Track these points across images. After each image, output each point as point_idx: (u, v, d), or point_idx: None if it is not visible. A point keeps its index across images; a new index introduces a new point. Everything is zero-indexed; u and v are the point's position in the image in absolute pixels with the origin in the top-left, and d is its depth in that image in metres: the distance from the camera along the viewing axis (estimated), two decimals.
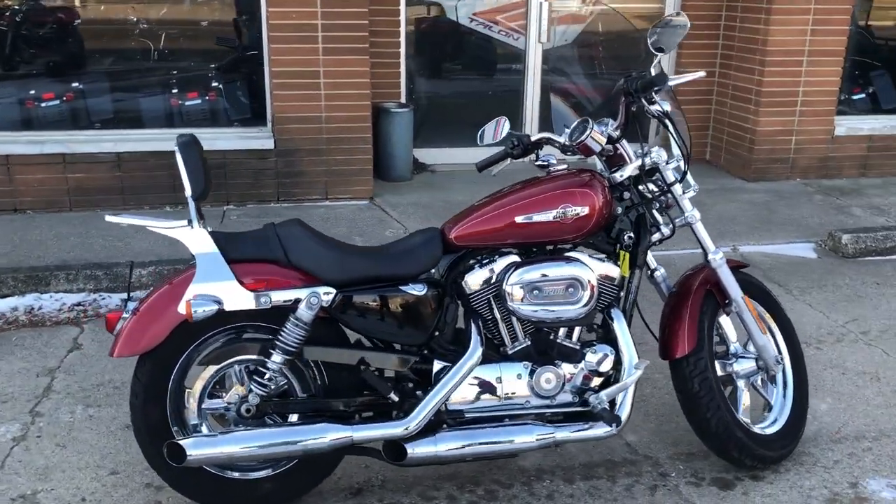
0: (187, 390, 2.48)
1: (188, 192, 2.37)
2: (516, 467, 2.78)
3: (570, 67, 6.72)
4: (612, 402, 2.55)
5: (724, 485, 2.70)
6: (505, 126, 2.90)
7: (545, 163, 2.78)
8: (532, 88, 6.42)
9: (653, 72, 2.58)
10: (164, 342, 2.36)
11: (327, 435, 2.38)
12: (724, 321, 2.84)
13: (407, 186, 5.88)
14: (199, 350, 2.45)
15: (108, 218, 2.44)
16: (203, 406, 2.50)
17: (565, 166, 2.75)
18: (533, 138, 2.80)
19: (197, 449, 2.32)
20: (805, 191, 6.01)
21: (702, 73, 2.72)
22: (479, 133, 3.03)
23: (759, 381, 2.90)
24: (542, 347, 2.61)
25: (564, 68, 6.67)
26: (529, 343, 2.58)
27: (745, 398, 2.80)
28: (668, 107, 2.64)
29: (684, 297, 2.71)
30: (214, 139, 5.20)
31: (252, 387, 2.44)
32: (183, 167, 2.37)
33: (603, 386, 2.60)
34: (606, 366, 2.57)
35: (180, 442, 2.32)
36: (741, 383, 2.82)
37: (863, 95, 6.73)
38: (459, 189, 5.61)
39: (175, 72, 5.71)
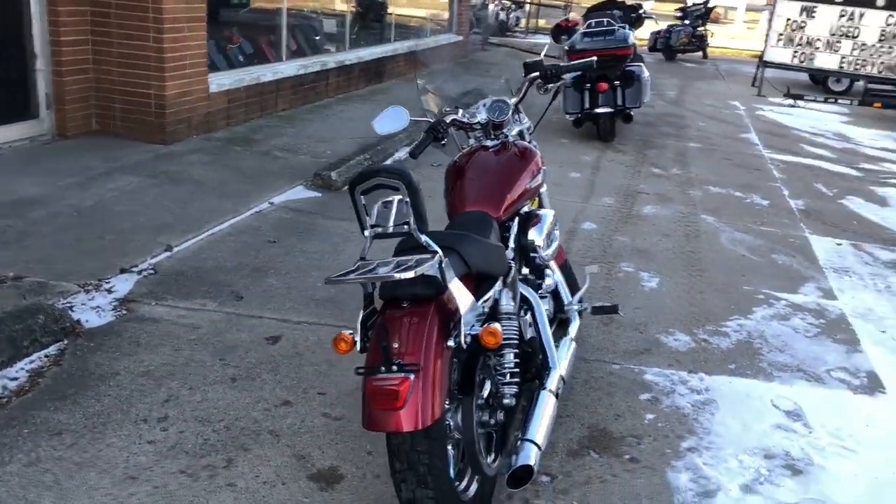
0: None
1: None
2: None
3: None
4: None
5: None
6: (404, 115, 3.20)
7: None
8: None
9: (574, 63, 3.41)
10: None
11: None
12: None
13: None
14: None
15: None
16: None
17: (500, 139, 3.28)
18: (448, 119, 3.22)
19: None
20: (217, 146, 6.63)
21: (593, 60, 3.56)
22: (376, 122, 3.22)
23: None
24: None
25: None
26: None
27: None
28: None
29: None
30: None
31: (504, 390, 2.46)
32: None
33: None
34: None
35: (529, 463, 2.28)
36: None
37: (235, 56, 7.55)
38: None
39: None
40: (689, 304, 4.44)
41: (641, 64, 8.30)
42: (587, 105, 8.12)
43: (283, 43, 8.38)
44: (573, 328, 3.29)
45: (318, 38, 9.57)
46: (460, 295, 2.33)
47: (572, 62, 3.51)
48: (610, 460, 2.96)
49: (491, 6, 19.03)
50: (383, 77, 10.78)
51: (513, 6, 20.32)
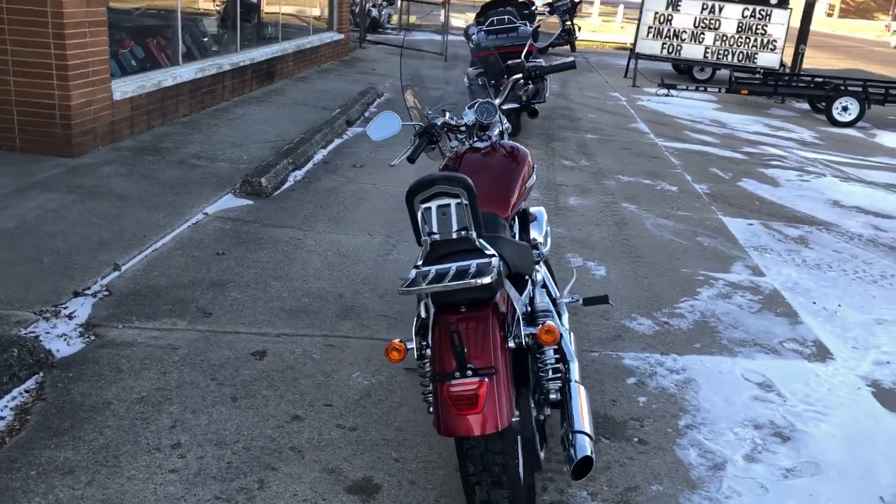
0: None
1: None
2: None
3: None
4: None
5: None
6: (396, 121, 3.22)
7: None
8: None
9: (554, 64, 3.50)
10: None
11: None
12: None
13: None
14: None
15: None
16: None
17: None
18: (439, 122, 3.26)
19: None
20: (128, 156, 6.30)
21: (573, 60, 3.63)
22: (370, 129, 3.22)
23: None
24: None
25: None
26: None
27: None
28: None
29: None
30: None
31: (549, 385, 2.54)
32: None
33: None
34: None
35: (588, 454, 2.35)
36: None
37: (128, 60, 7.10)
38: None
39: None
40: (640, 289, 4.66)
41: (541, 60, 8.54)
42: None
43: (179, 46, 8.05)
44: (565, 320, 3.40)
45: (206, 39, 9.25)
46: (514, 296, 2.37)
47: (553, 64, 3.61)
48: (622, 444, 3.09)
49: (364, 3, 18.94)
50: (274, 78, 10.56)
51: (384, 3, 20.31)
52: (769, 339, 4.15)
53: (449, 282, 2.15)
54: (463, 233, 2.30)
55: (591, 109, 10.99)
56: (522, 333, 2.36)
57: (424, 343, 2.37)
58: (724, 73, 14.36)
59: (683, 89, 13.44)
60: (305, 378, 3.37)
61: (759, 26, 13.70)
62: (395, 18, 21.37)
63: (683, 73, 15.71)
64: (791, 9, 13.91)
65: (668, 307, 4.43)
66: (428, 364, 2.50)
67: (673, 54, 14.07)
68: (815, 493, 2.89)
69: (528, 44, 8.20)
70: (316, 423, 3.05)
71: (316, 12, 13.47)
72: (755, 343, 4.10)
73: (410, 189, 2.31)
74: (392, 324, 3.94)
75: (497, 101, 3.40)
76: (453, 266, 2.27)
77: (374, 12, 19.55)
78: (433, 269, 2.27)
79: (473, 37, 8.49)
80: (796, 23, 14.03)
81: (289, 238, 4.97)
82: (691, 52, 13.97)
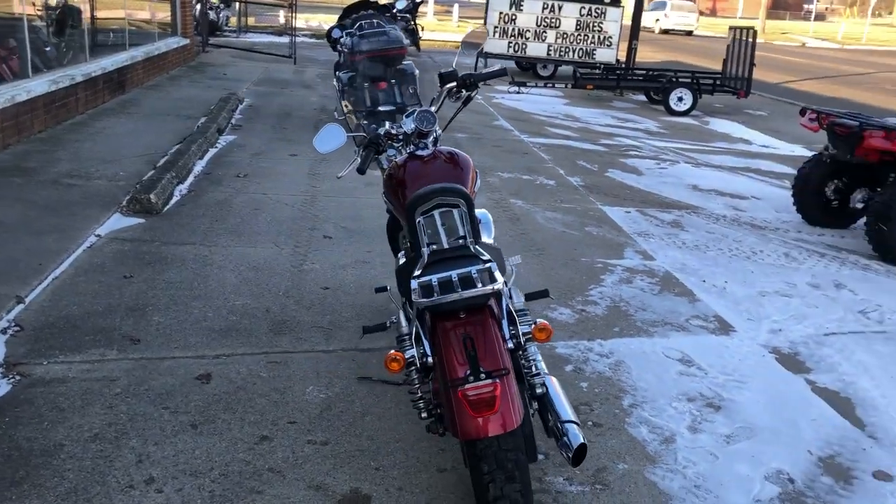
0: None
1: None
2: None
3: None
4: None
5: None
6: (341, 133, 3.25)
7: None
8: None
9: (485, 71, 3.59)
10: None
11: None
12: None
13: None
14: None
15: None
16: None
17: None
18: (381, 130, 3.31)
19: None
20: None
21: (504, 67, 3.71)
22: (316, 141, 3.23)
23: None
24: None
25: None
26: None
27: None
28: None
29: None
30: None
31: (535, 380, 2.67)
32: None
33: None
34: None
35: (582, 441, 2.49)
36: None
37: None
38: None
39: None
40: (551, 280, 4.89)
41: (410, 61, 8.66)
42: (369, 104, 8.32)
43: (28, 58, 7.49)
44: None
45: (49, 49, 8.65)
46: (505, 298, 2.47)
47: (485, 72, 3.71)
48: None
49: (198, 6, 18.28)
50: (126, 87, 10.03)
51: (221, 5, 19.71)
52: (676, 318, 4.49)
53: (463, 290, 2.21)
54: (461, 241, 2.38)
55: (453, 109, 11.22)
56: (520, 333, 2.46)
57: (422, 351, 2.42)
58: (564, 69, 15.10)
59: (533, 86, 14.00)
60: (260, 397, 3.31)
61: (596, 24, 14.51)
62: (233, 21, 20.78)
63: (527, 70, 16.35)
64: (623, 7, 14.84)
65: (580, 295, 4.68)
66: (414, 373, 2.56)
67: (519, 52, 14.62)
68: (757, 454, 3.20)
69: (404, 46, 8.37)
70: (286, 442, 3.01)
71: (159, 16, 12.89)
72: (665, 322, 4.42)
73: (410, 203, 2.35)
74: (329, 335, 3.93)
75: (434, 110, 3.48)
76: (453, 273, 2.34)
77: (212, 15, 18.92)
78: (434, 277, 2.33)
79: (344, 40, 8.46)
80: (628, 20, 14.98)
81: (194, 255, 4.80)
82: (536, 49, 14.57)
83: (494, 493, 2.34)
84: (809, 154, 7.59)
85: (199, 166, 6.90)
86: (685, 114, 12.58)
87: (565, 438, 2.54)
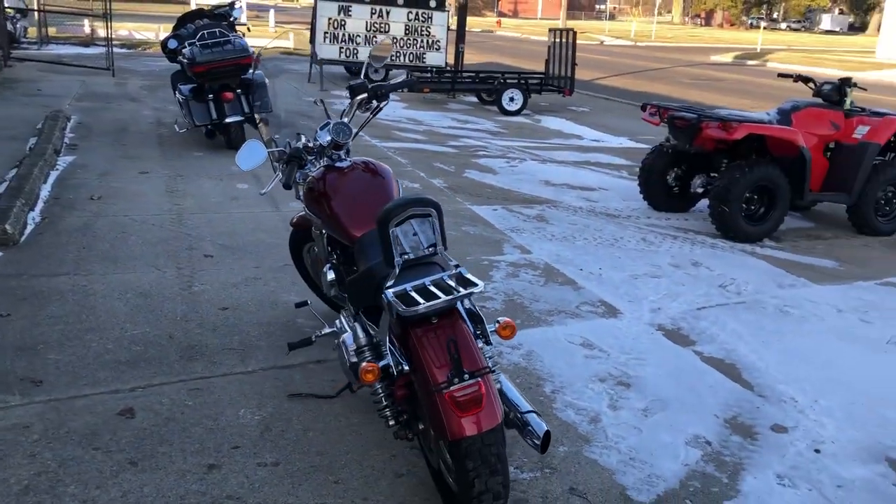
0: None
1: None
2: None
3: None
4: None
5: None
6: (261, 149, 3.23)
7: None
8: None
9: (392, 82, 3.61)
10: None
11: None
12: None
13: None
14: None
15: None
16: None
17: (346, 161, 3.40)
18: (295, 144, 3.32)
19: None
20: None
21: (405, 75, 3.72)
22: (239, 159, 3.19)
23: None
24: None
25: None
26: None
27: None
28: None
29: None
30: None
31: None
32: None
33: None
34: None
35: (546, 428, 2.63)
36: None
37: None
38: None
39: None
40: None
41: (259, 70, 8.50)
42: (215, 116, 8.08)
43: None
44: None
45: None
46: (468, 302, 2.56)
47: (393, 82, 3.76)
48: None
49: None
50: None
51: (17, 15, 18.20)
52: (567, 306, 4.77)
53: (446, 296, 2.29)
54: (430, 249, 2.45)
55: (300, 116, 11.10)
56: (487, 332, 2.57)
57: (396, 359, 2.47)
58: (395, 72, 15.31)
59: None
60: (194, 426, 3.19)
61: (424, 28, 14.81)
62: (31, 31, 19.26)
63: (356, 75, 16.39)
64: (448, 11, 15.26)
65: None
66: (379, 382, 2.61)
67: (351, 57, 14.64)
68: (674, 423, 3.49)
69: (250, 55, 8.18)
70: (236, 468, 2.94)
71: None
72: (559, 311, 4.68)
73: (382, 216, 2.39)
74: (244, 355, 3.84)
75: (346, 120, 3.50)
76: (426, 280, 2.41)
77: (9, 26, 17.43)
78: (408, 286, 2.39)
79: (186, 51, 8.15)
80: (454, 25, 15.42)
81: (72, 286, 4.51)
82: (367, 54, 14.64)
83: (479, 488, 2.44)
84: (636, 146, 8.24)
85: (44, 191, 6.42)
86: (517, 113, 13.15)
87: (529, 428, 2.67)
